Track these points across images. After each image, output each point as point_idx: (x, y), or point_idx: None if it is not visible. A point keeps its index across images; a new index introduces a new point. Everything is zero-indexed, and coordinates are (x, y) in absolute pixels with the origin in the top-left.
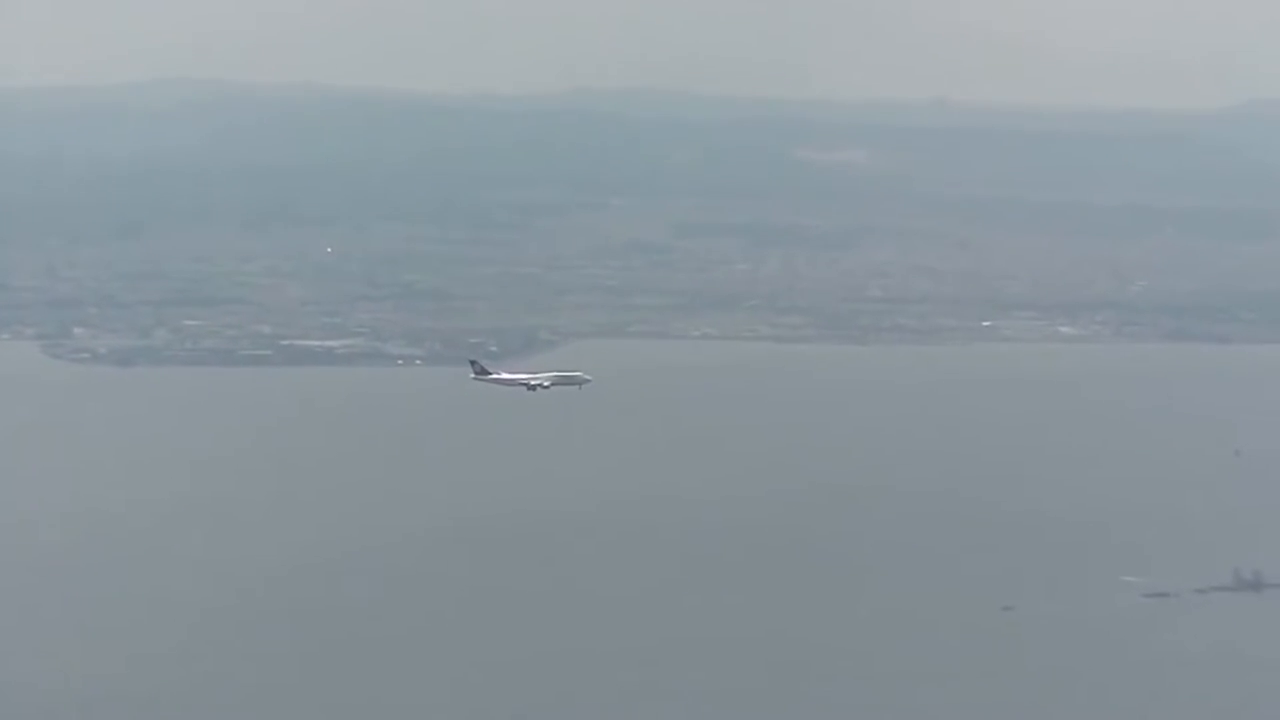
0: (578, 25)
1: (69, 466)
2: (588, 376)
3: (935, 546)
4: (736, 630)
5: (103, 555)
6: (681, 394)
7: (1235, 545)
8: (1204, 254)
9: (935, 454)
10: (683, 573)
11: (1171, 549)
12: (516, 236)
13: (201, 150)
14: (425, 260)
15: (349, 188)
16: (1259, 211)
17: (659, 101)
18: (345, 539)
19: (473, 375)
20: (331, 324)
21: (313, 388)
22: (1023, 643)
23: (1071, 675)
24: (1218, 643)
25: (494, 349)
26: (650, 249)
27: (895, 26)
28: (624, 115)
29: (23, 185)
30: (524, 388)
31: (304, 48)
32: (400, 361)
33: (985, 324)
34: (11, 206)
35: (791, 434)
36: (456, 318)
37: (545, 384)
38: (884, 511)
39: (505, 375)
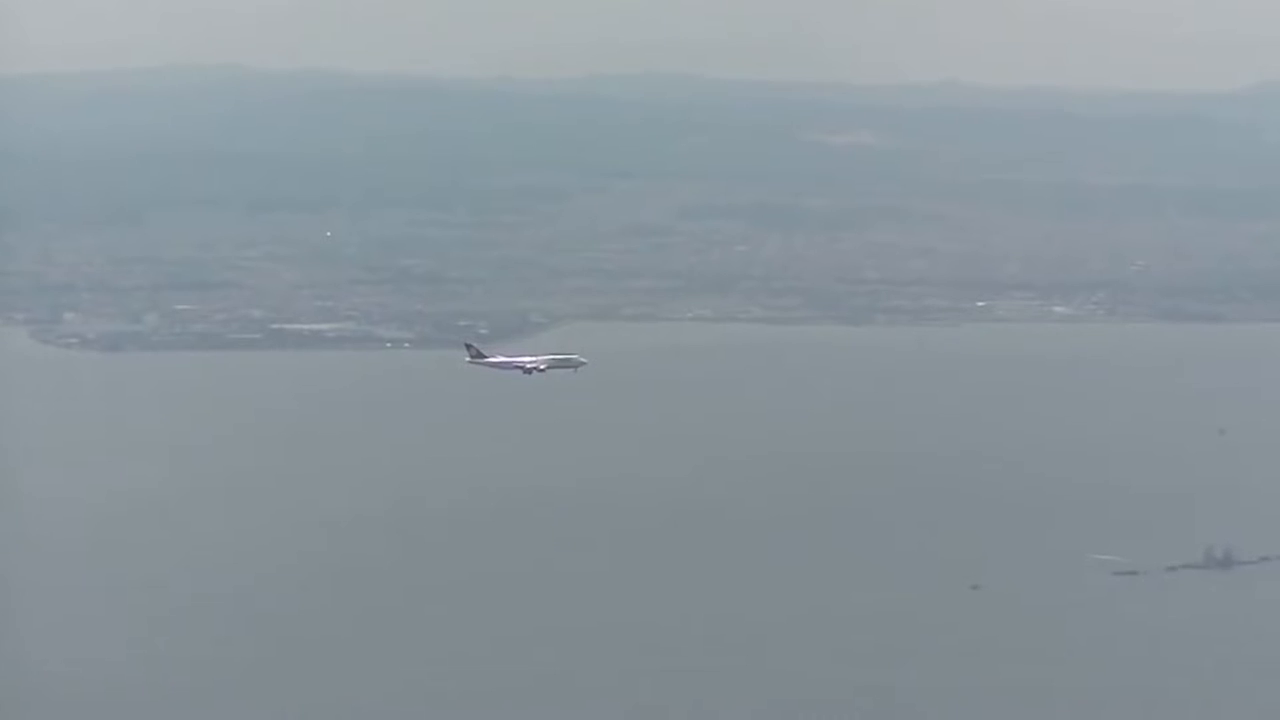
0: (593, 10)
1: (40, 456)
2: (583, 359)
3: (909, 524)
4: (710, 607)
5: (84, 545)
6: (666, 376)
7: (1210, 523)
8: (1207, 234)
9: (912, 435)
10: (660, 550)
11: (1146, 527)
12: (519, 220)
13: (208, 136)
14: (425, 244)
15: (355, 173)
16: (1266, 191)
17: (673, 86)
18: (309, 523)
19: (468, 358)
20: (324, 308)
21: (297, 371)
22: (992, 621)
23: (1034, 653)
24: (1183, 620)
25: (484, 331)
26: (652, 232)
27: (911, 9)
28: (637, 100)
29: (30, 172)
30: (519, 370)
31: (313, 34)
32: (389, 345)
33: (979, 304)
34: (17, 193)
35: (769, 416)
36: (450, 301)
37: (541, 367)
38: (859, 491)
39: (501, 358)
